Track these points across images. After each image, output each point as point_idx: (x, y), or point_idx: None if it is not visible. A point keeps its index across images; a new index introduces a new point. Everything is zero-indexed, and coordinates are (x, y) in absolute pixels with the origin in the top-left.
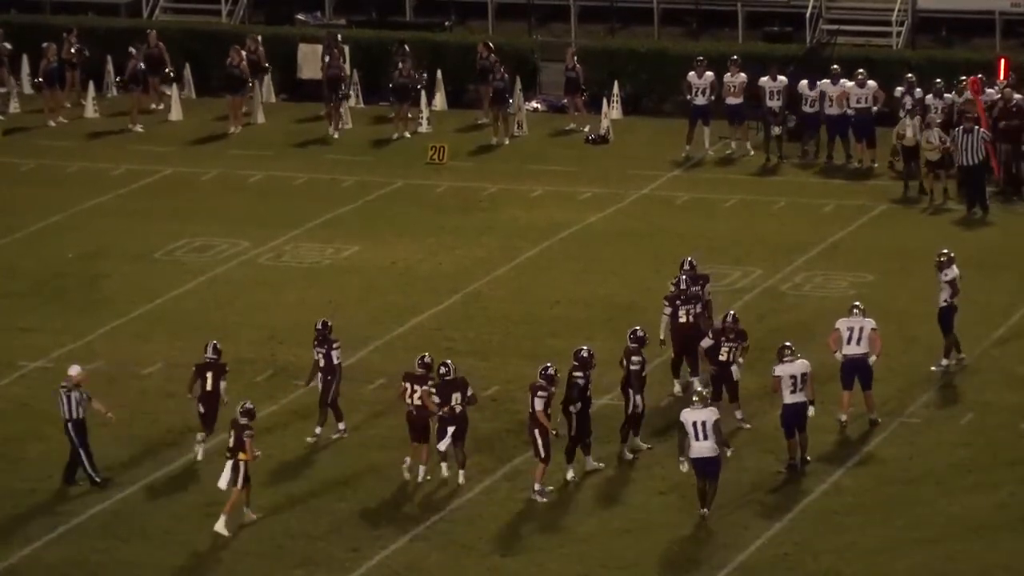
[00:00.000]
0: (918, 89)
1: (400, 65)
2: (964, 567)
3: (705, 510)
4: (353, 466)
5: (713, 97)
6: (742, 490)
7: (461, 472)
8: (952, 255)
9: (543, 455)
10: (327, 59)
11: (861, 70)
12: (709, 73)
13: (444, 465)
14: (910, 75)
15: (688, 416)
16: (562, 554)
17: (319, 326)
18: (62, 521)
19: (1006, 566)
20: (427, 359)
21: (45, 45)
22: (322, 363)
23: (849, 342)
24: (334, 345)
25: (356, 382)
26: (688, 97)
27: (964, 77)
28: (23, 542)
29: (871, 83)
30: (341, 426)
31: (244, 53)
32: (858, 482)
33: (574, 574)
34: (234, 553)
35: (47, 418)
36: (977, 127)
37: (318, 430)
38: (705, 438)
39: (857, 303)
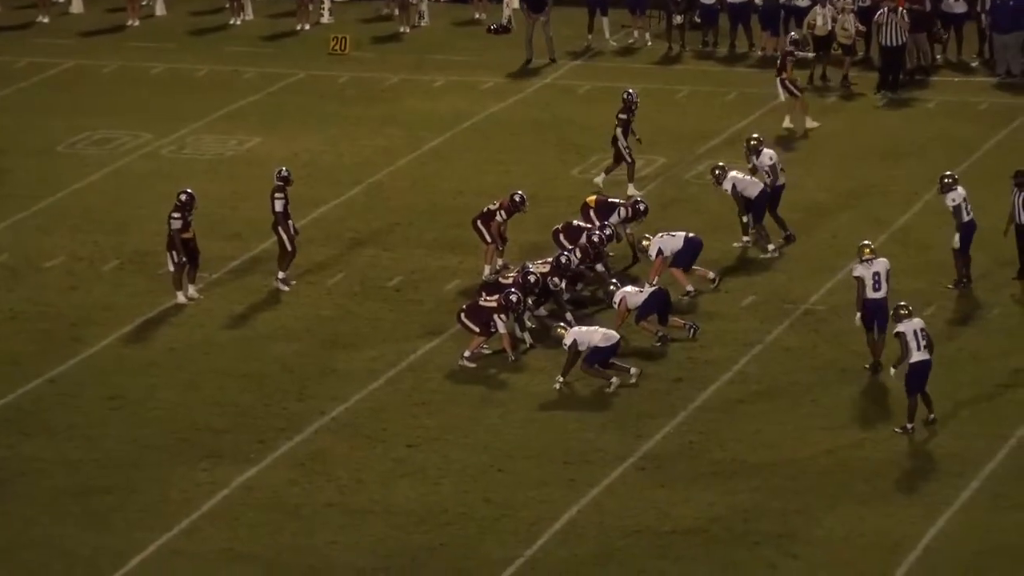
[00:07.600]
0: None
1: None
2: (870, 454)
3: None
4: (257, 358)
5: None
6: (647, 381)
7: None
8: (761, 139)
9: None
10: None
11: None
12: None
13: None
14: None
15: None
16: (467, 444)
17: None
18: None
19: (911, 452)
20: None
21: None
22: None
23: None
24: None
25: (259, 273)
26: None
27: None
28: None
29: None
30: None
31: None
32: (763, 370)
33: (480, 464)
34: (139, 446)
35: None
36: (900, 8)
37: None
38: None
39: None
